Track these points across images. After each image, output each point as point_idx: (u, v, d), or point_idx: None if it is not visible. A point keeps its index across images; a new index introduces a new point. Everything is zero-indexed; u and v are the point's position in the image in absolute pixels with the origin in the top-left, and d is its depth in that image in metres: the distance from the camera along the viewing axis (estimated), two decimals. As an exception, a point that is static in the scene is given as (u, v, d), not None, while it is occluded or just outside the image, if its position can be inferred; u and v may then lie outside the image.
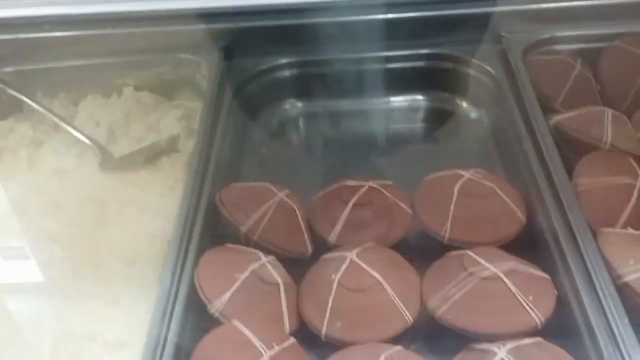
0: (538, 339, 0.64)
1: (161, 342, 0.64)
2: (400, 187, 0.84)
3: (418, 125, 1.06)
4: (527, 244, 0.77)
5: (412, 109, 1.07)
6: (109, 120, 0.99)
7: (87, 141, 0.95)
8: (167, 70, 1.04)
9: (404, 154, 0.99)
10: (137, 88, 1.04)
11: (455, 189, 0.79)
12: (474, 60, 1.01)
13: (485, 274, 0.68)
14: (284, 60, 1.05)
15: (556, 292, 0.69)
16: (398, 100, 1.07)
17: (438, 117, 1.05)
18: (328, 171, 0.95)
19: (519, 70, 0.96)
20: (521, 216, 0.78)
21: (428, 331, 0.71)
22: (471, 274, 0.68)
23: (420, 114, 1.06)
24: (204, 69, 1.01)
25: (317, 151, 1.03)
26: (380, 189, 0.82)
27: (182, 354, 0.64)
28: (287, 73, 1.06)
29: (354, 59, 1.04)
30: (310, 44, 1.01)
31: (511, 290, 0.66)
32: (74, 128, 0.97)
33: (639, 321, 0.62)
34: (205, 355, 0.63)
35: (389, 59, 1.04)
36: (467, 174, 0.81)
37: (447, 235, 0.77)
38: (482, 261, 0.69)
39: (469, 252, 0.71)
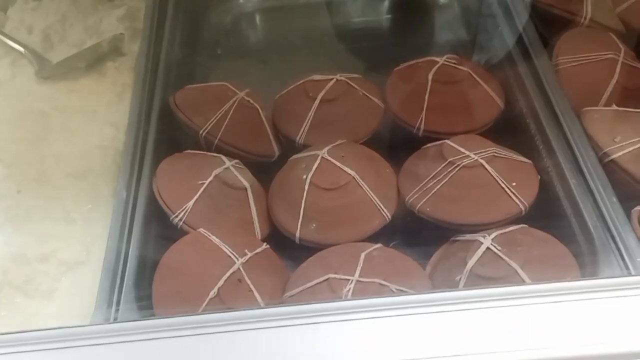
0: (523, 225, 0.61)
1: (122, 257, 0.59)
2: (370, 80, 0.78)
3: (384, 14, 0.98)
4: (506, 130, 0.73)
5: (377, -3, 0.99)
6: (43, 24, 0.89)
7: (20, 49, 0.85)
8: (103, -36, 0.93)
9: (371, 46, 0.92)
10: (71, -13, 0.93)
11: (429, 77, 0.73)
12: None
13: (466, 162, 0.63)
14: (234, -55, 0.95)
15: (539, 177, 0.65)
16: (362, -12, 0.99)
17: (405, 5, 0.97)
18: (289, 70, 0.87)
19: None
20: (499, 101, 0.74)
21: (406, 227, 0.67)
22: (451, 163, 0.64)
23: (387, 2, 0.98)
24: (145, -41, 0.91)
25: (276, 49, 0.95)
26: (349, 82, 0.76)
27: (146, 267, 0.59)
28: (238, -40, 0.96)
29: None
30: None
31: (493, 178, 0.62)
32: (5, 35, 0.87)
33: (626, 199, 0.60)
34: (173, 266, 0.58)
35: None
36: (440, 60, 0.75)
37: (422, 127, 0.72)
38: (462, 149, 0.65)
39: (448, 141, 0.67)
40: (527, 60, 0.74)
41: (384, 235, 0.65)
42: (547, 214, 0.63)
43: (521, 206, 0.62)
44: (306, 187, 0.65)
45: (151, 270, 0.58)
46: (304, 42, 0.94)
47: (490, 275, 0.56)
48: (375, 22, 0.99)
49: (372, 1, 0.98)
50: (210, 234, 0.60)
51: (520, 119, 0.72)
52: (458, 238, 0.62)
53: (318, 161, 0.66)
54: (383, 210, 0.65)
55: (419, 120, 0.72)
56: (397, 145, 0.75)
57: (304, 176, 0.65)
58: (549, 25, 0.80)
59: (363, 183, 0.65)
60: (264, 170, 0.72)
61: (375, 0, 0.98)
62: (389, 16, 0.98)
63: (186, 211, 0.63)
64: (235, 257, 0.58)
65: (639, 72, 0.72)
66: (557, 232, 0.60)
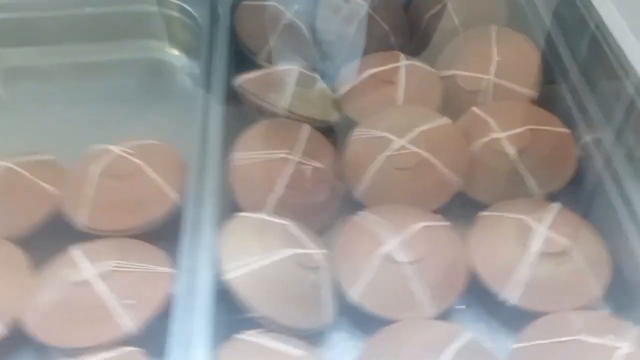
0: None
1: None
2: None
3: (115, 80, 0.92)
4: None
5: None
6: None
7: None
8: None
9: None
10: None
11: (97, 171, 0.68)
12: (178, 2, 0.88)
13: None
14: None
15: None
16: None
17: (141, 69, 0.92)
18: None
19: (224, 16, 0.85)
20: (172, 194, 0.68)
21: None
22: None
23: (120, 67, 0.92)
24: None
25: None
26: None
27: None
28: None
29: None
30: None
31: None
32: None
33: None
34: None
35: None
36: (116, 150, 0.70)
37: (87, 224, 0.67)
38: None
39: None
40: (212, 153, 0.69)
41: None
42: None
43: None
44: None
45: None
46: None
47: None
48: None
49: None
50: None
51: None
52: None
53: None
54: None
55: (83, 217, 0.66)
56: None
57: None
58: (258, 114, 0.75)
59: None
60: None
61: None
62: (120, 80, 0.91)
63: None
64: None
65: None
66: None
